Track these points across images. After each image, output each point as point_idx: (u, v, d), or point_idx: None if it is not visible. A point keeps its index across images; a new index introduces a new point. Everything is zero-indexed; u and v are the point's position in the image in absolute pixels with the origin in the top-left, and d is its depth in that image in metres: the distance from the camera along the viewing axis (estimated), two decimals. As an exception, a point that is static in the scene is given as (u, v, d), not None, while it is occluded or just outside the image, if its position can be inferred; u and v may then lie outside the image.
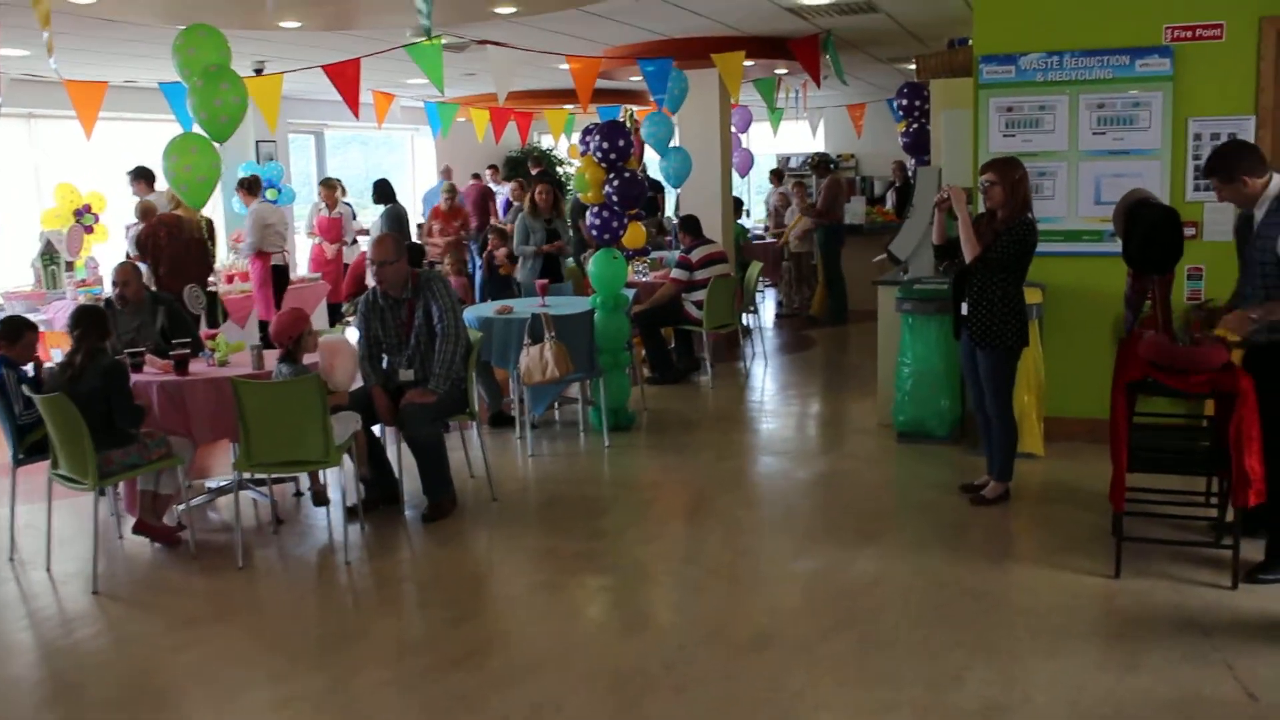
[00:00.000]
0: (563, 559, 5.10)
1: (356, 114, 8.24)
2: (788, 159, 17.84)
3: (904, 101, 8.85)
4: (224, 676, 4.02)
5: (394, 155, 17.65)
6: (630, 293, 7.79)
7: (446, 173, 13.97)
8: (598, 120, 8.67)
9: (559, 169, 17.30)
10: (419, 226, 12.39)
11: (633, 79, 10.98)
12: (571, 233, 9.98)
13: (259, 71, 9.78)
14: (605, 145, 7.12)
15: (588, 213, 7.38)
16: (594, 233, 7.31)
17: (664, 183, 10.22)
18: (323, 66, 7.92)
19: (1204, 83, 6.23)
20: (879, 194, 15.92)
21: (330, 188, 11.84)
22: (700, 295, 8.68)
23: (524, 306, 7.29)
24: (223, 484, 6.19)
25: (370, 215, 12.57)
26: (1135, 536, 4.77)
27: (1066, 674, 3.78)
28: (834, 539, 5.19)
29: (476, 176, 14.65)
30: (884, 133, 15.90)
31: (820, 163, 13.00)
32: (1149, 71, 6.27)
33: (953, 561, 4.85)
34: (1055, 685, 3.70)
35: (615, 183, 7.17)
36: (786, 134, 14.51)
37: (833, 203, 11.91)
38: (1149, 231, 4.80)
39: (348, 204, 13.22)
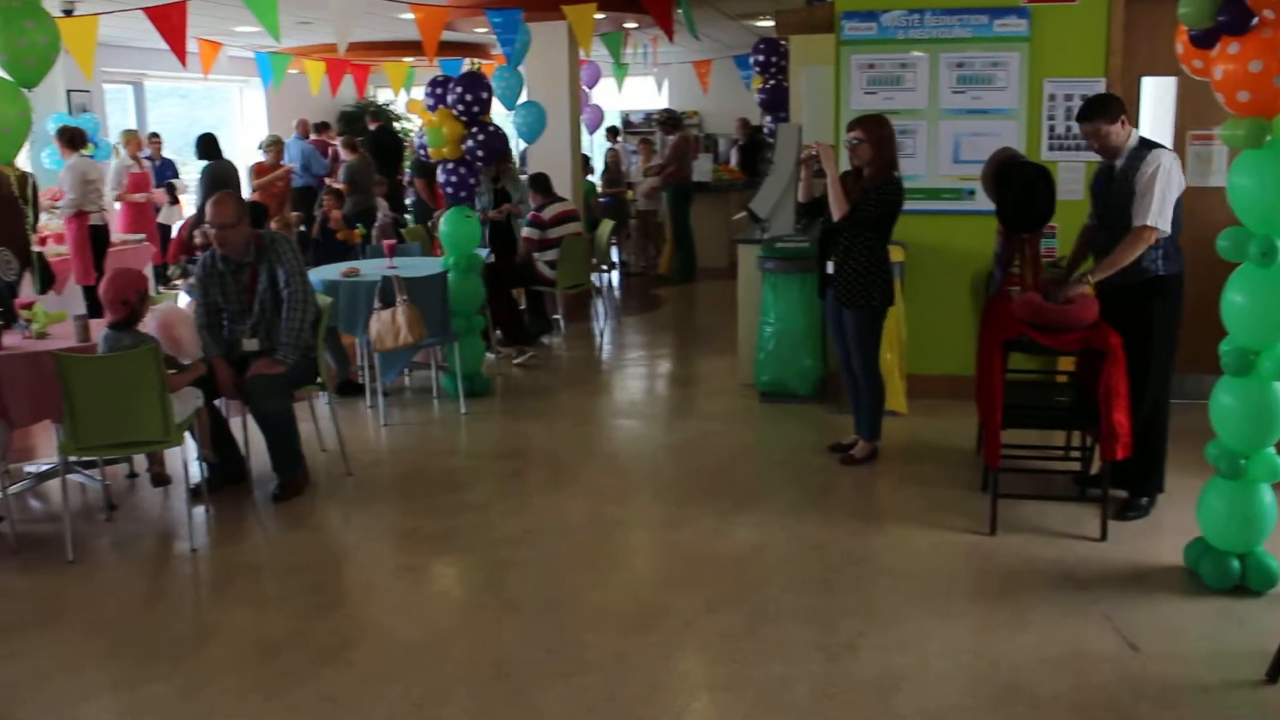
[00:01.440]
0: (428, 538, 4.82)
1: (184, 62, 7.65)
2: (628, 116, 17.68)
3: (760, 58, 8.77)
4: (56, 689, 3.55)
5: (218, 109, 16.67)
6: (484, 252, 7.50)
7: (301, 127, 13.19)
8: (439, 73, 8.28)
9: (397, 124, 16.68)
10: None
11: (478, 30, 10.57)
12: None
13: (69, 12, 8.98)
14: (468, 98, 6.75)
15: (439, 170, 7.01)
16: (448, 190, 6.96)
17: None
18: (144, 9, 7.31)
19: (1058, 45, 6.30)
20: (724, 151, 15.90)
21: (134, 138, 11.07)
22: (553, 255, 8.45)
23: (371, 269, 6.92)
24: (46, 468, 5.61)
25: (193, 172, 11.83)
26: (1007, 493, 4.80)
27: (957, 636, 3.76)
28: (708, 506, 5.07)
29: (325, 127, 13.89)
30: (730, 90, 15.87)
31: (668, 119, 12.87)
32: (1007, 32, 6.31)
33: (830, 525, 4.79)
34: (949, 648, 3.67)
35: (479, 137, 6.82)
36: (630, 91, 14.33)
37: (681, 160, 11.79)
38: (1024, 190, 4.81)
39: (167, 159, 12.46)
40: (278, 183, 11.66)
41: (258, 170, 11.66)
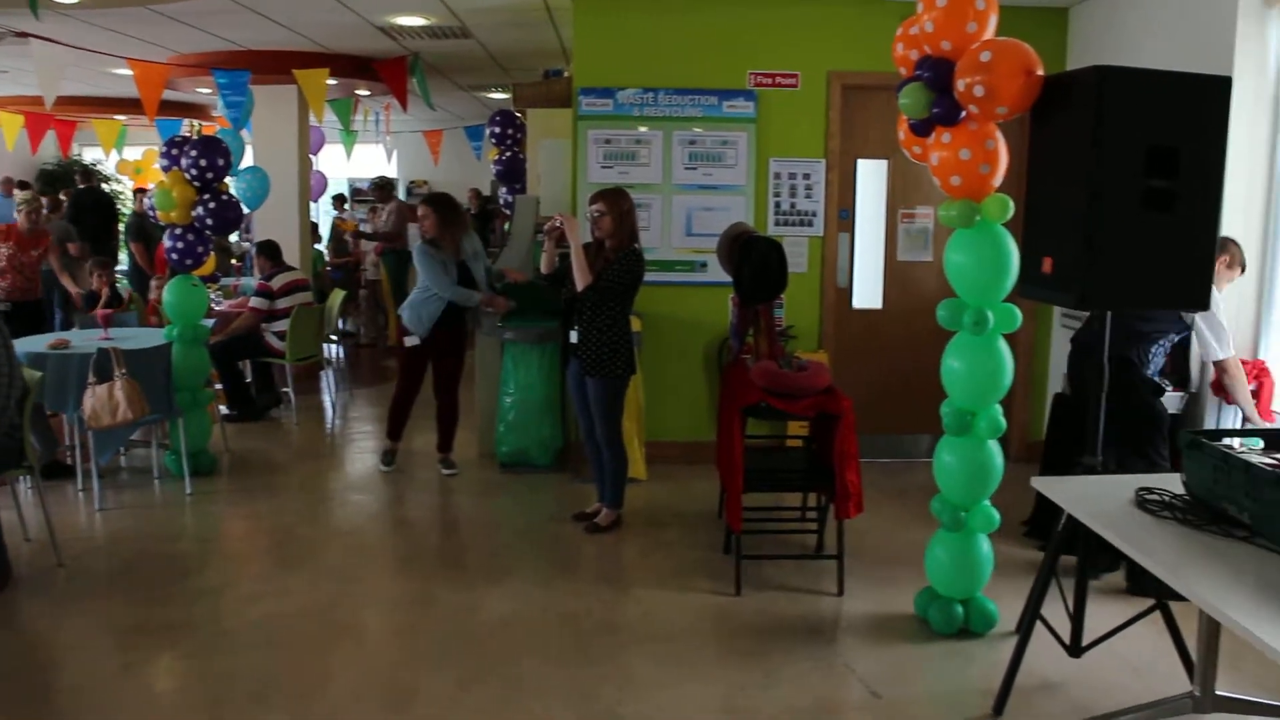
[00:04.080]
0: (155, 631, 4.41)
1: None
2: (355, 184, 17.37)
3: (496, 129, 8.84)
4: None
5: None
6: (210, 323, 7.13)
7: (5, 185, 12.04)
8: (156, 134, 7.88)
9: (105, 185, 15.67)
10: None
11: (201, 90, 10.15)
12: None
13: None
14: (203, 163, 6.42)
15: (166, 235, 6.63)
16: (173, 257, 6.58)
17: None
18: None
19: (783, 126, 6.72)
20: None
21: None
22: (282, 325, 8.14)
23: (83, 340, 6.43)
24: None
25: None
26: (750, 554, 4.97)
27: (712, 695, 3.83)
28: (454, 580, 4.96)
29: (25, 185, 12.77)
30: (461, 160, 15.91)
31: (383, 185, 12.75)
32: (735, 113, 6.67)
33: (580, 593, 4.80)
34: (705, 708, 3.73)
35: (211, 205, 6.49)
36: (359, 158, 14.10)
37: (400, 227, 11.60)
38: (761, 263, 5.05)
39: None
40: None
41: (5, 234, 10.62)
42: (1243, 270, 4.97)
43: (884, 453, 7.02)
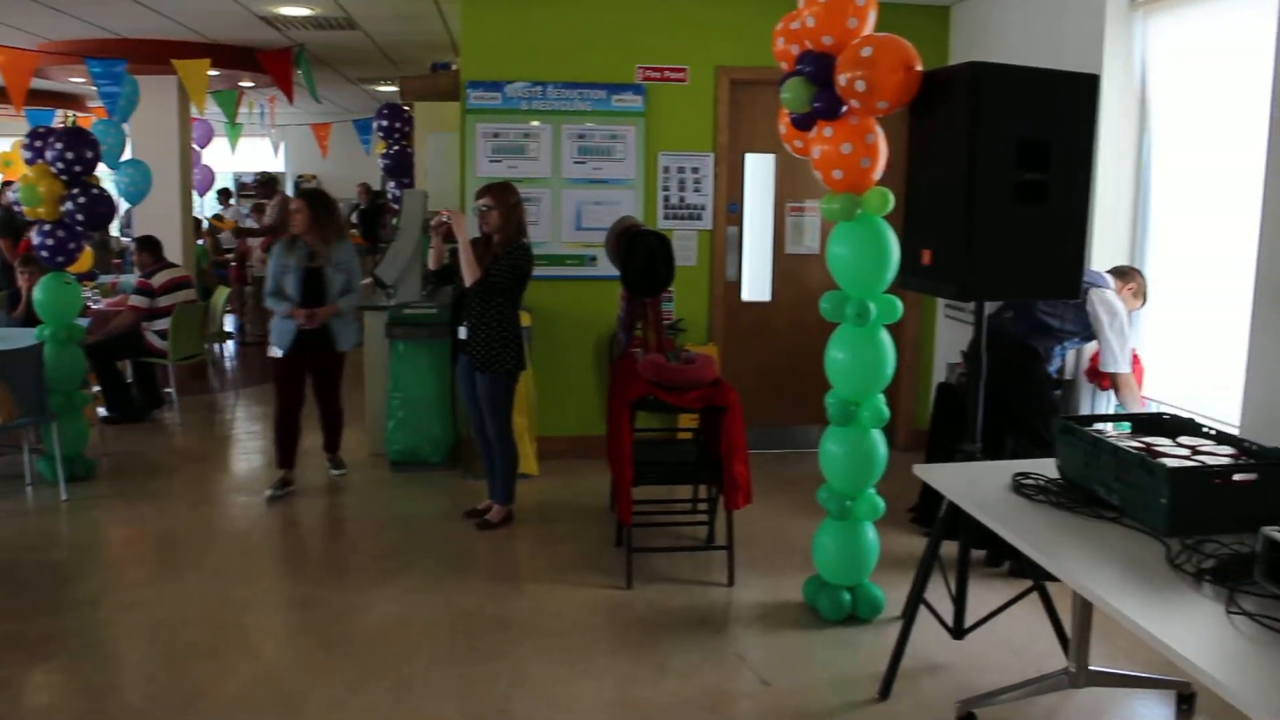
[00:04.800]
0: (29, 644, 4.22)
1: None
2: (241, 178, 16.98)
3: (384, 123, 8.71)
4: None
5: None
6: (84, 322, 6.88)
7: None
8: (25, 124, 7.58)
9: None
10: None
11: (74, 80, 9.79)
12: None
13: None
14: (70, 155, 6.16)
15: (35, 231, 6.37)
16: (43, 254, 6.33)
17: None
18: None
19: (672, 121, 6.74)
20: (344, 217, 15.61)
21: None
22: (164, 324, 7.91)
23: (-52, 341, 6.16)
24: None
25: None
26: (640, 547, 4.99)
27: (604, 689, 3.83)
28: (343, 581, 4.88)
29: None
30: (350, 154, 15.65)
31: (267, 181, 12.50)
32: (624, 107, 6.67)
33: (472, 591, 4.76)
34: (597, 702, 3.73)
35: (80, 200, 6.25)
36: (245, 152, 13.77)
37: (283, 222, 11.34)
38: (647, 256, 5.06)
39: None
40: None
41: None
42: (1144, 302, 5.07)
43: (774, 444, 7.11)
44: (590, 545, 5.34)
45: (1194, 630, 2.24)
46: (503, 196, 5.35)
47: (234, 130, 11.90)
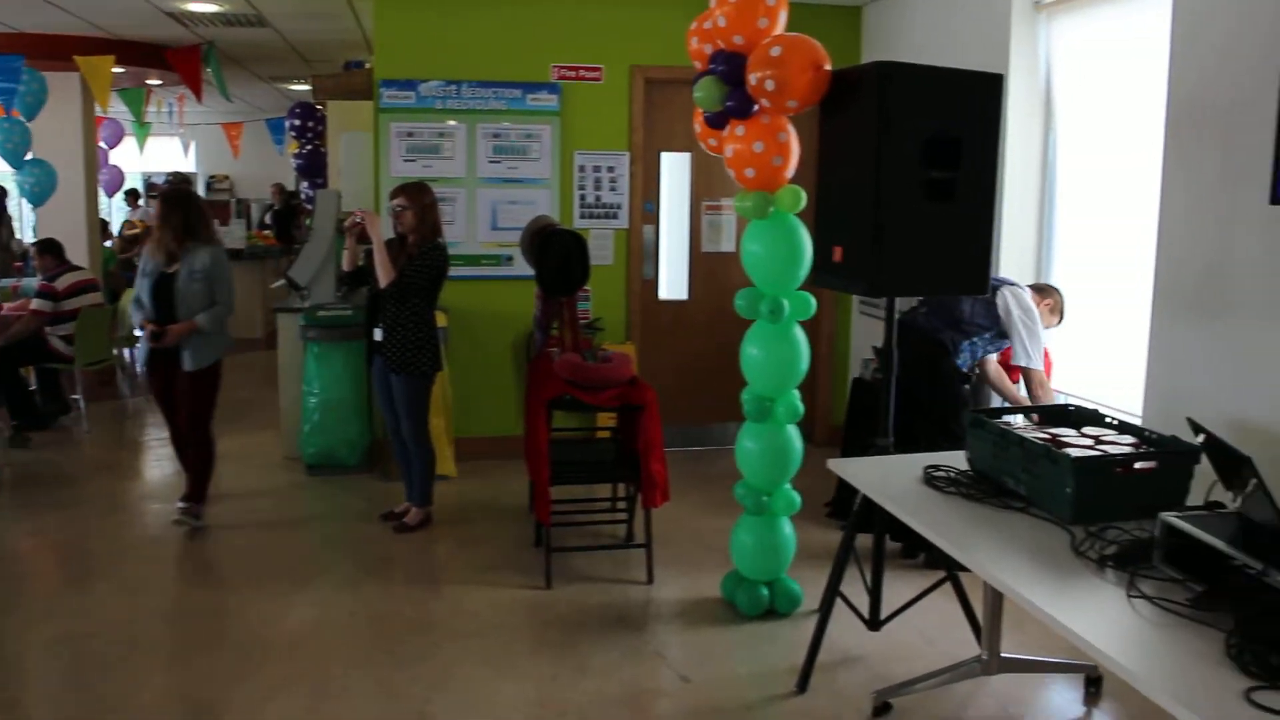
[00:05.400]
0: (-72, 659, 4.12)
1: None
2: (150, 179, 16.58)
3: (297, 122, 8.58)
4: None
5: None
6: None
7: None
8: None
9: None
10: None
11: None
12: None
13: None
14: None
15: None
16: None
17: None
18: None
19: (587, 120, 6.73)
20: (258, 217, 15.34)
21: None
22: (68, 328, 7.70)
23: None
24: None
25: None
26: (559, 546, 4.98)
27: (524, 690, 3.82)
28: (259, 588, 4.80)
29: None
30: (263, 154, 15.38)
31: (179, 182, 12.26)
32: (539, 106, 6.65)
33: (390, 595, 4.71)
34: (517, 702, 3.72)
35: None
36: (154, 152, 13.47)
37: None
38: (562, 256, 5.05)
39: None
40: None
41: None
42: (1060, 320, 5.12)
43: (692, 441, 7.14)
44: (509, 546, 5.32)
45: (1097, 615, 2.30)
46: (417, 196, 5.31)
47: (142, 130, 11.64)
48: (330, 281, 6.82)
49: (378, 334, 5.39)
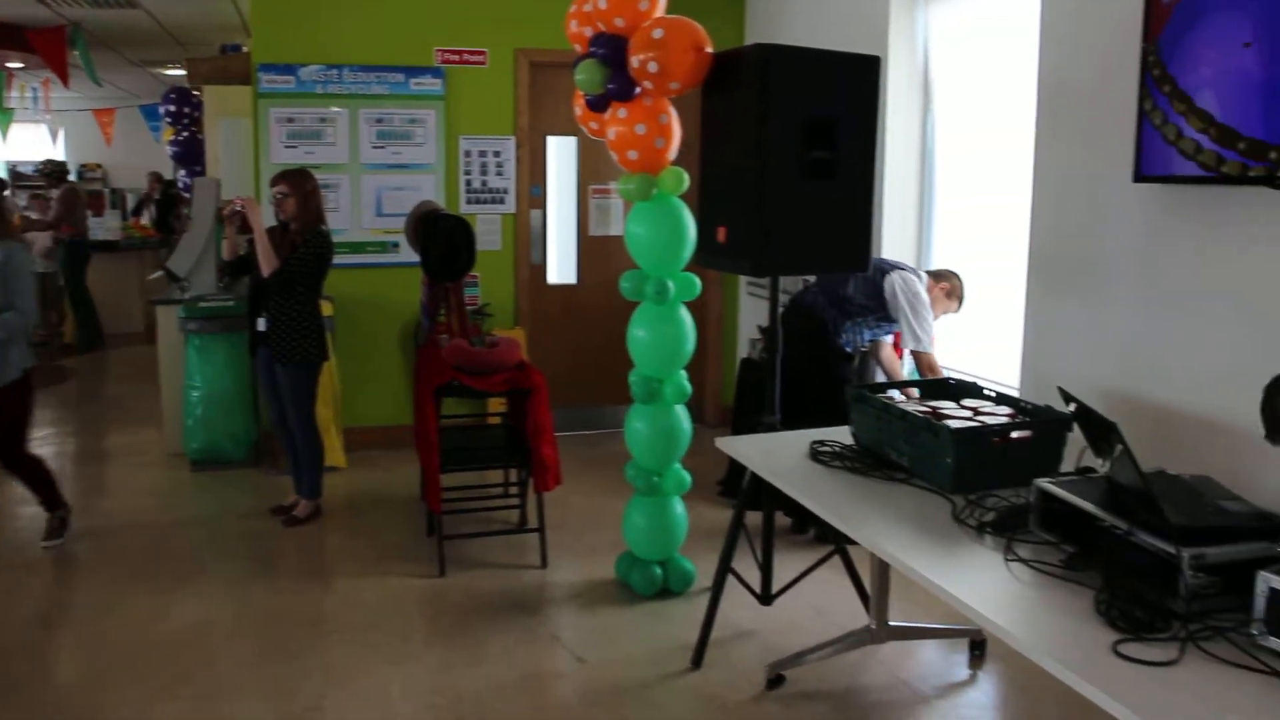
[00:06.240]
0: None
1: None
2: (15, 167, 15.92)
3: (172, 108, 8.32)
4: None
5: None
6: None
7: None
8: None
9: None
10: None
11: None
12: None
13: None
14: None
15: None
16: None
17: None
18: None
19: (472, 104, 6.67)
20: (133, 207, 14.83)
21: None
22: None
23: None
24: None
25: None
26: (452, 534, 4.95)
27: (418, 679, 3.79)
28: (144, 587, 4.66)
29: None
30: (138, 142, 14.88)
31: (53, 171, 11.80)
32: (423, 90, 6.56)
33: (280, 590, 4.63)
34: (411, 692, 3.69)
35: None
36: (19, 140, 12.94)
37: (69, 214, 10.73)
38: (446, 241, 5.01)
39: None
40: None
41: None
42: (960, 305, 5.13)
43: (584, 425, 7.15)
44: (402, 535, 5.27)
45: (976, 580, 2.38)
46: (298, 183, 5.21)
47: (4, 116, 11.16)
48: (211, 272, 6.64)
49: (261, 324, 5.28)
